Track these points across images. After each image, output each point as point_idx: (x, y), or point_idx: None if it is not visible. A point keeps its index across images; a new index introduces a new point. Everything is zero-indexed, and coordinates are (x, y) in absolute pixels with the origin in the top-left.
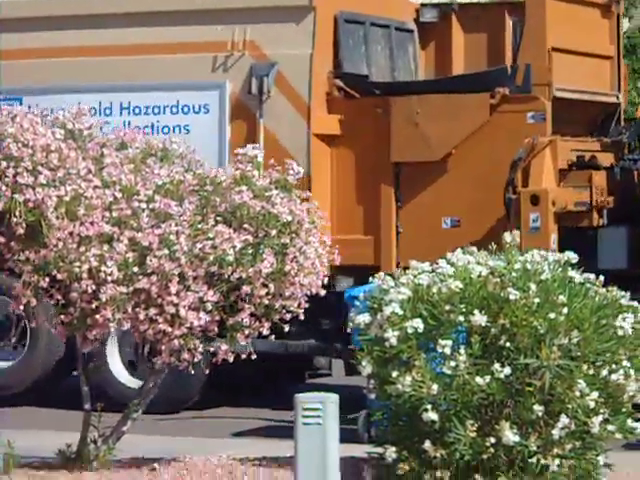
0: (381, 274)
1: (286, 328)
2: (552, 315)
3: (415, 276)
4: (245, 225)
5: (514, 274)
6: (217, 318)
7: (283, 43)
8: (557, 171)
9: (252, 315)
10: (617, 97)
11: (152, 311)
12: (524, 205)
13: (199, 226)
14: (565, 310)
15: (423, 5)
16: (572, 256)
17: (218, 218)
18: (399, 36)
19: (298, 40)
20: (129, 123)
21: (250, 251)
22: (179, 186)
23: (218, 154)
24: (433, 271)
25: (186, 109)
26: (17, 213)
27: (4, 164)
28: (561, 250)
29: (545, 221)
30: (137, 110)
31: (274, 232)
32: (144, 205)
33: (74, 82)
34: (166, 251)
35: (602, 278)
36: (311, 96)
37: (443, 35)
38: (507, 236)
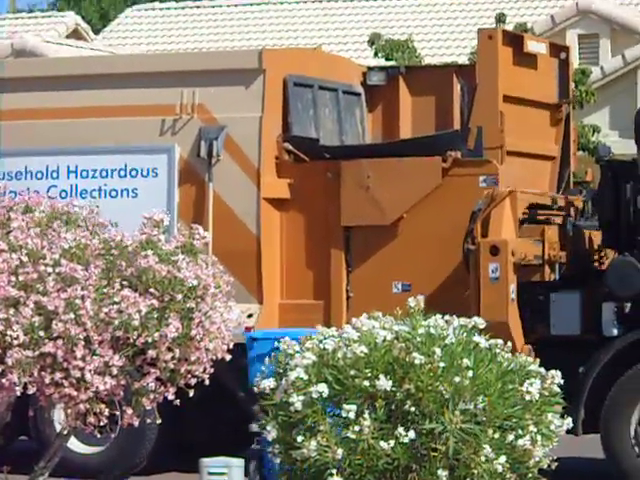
0: (286, 338)
1: (190, 393)
2: (457, 379)
3: (320, 341)
4: (151, 289)
5: (419, 339)
6: (123, 382)
7: (232, 106)
8: (516, 222)
9: (158, 379)
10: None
11: (58, 375)
12: (483, 255)
13: (105, 290)
14: (470, 374)
15: (370, 68)
16: (479, 321)
17: (124, 282)
18: (347, 99)
19: (247, 103)
20: (76, 187)
21: (156, 315)
22: (85, 250)
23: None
24: (339, 336)
25: (134, 173)
26: None
27: None
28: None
29: (504, 271)
30: (84, 174)
31: (180, 296)
32: (50, 269)
33: (21, 145)
34: (72, 315)
35: (510, 344)
36: (261, 160)
37: (391, 98)
38: (411, 301)
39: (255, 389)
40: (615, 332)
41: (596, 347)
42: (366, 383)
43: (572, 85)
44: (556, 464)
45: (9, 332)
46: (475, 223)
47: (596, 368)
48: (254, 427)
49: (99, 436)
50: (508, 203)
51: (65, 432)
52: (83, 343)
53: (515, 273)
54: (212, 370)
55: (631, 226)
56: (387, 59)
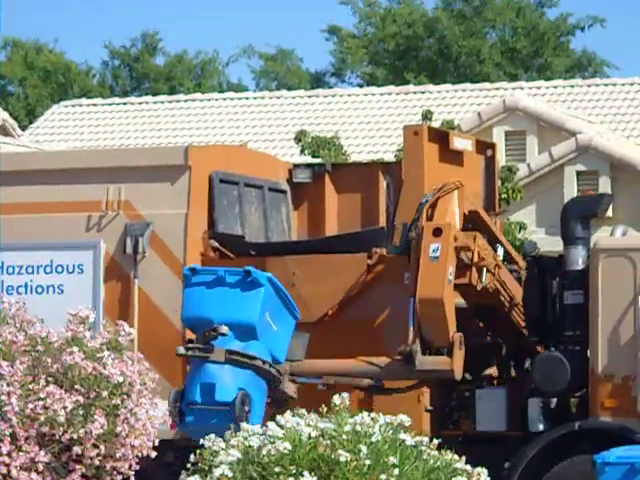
0: (211, 435)
1: None
2: (383, 477)
3: (245, 438)
4: (76, 386)
5: (344, 436)
6: (49, 479)
7: (158, 203)
8: (462, 214)
9: (83, 476)
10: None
11: None
12: (426, 237)
13: (30, 386)
14: (396, 472)
15: (296, 166)
16: (405, 419)
17: (50, 379)
18: (273, 196)
19: (173, 200)
20: (2, 282)
21: (81, 412)
22: (11, 346)
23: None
24: (264, 433)
25: (60, 269)
26: None
27: None
28: (437, 409)
29: (445, 252)
30: (10, 270)
31: (105, 393)
32: None
33: None
34: None
35: (435, 441)
36: (186, 256)
37: (316, 195)
38: (336, 398)
39: None
40: (541, 427)
41: (522, 442)
42: None
43: (498, 182)
44: None
45: None
46: (420, 213)
47: (522, 464)
48: None
49: None
50: (456, 195)
51: None
52: (9, 439)
53: (455, 257)
54: (137, 467)
55: (557, 322)
56: (314, 156)
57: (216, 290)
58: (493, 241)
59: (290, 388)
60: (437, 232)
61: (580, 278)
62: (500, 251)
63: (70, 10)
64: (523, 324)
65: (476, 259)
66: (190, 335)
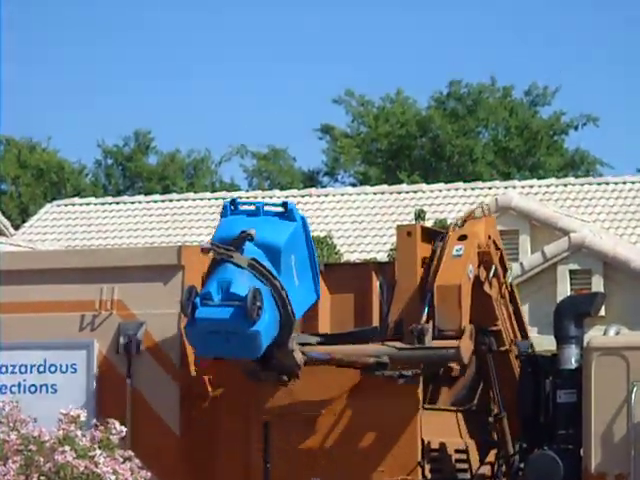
0: None
1: None
2: None
3: None
4: None
5: None
6: None
7: (151, 302)
8: (487, 236)
9: None
10: None
11: None
12: (451, 241)
13: None
14: None
15: None
16: None
17: (42, 478)
18: None
19: (166, 299)
20: None
21: None
22: (3, 446)
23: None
24: None
25: (53, 368)
26: None
27: None
28: None
29: (467, 252)
30: (3, 369)
31: None
32: None
33: None
34: None
35: None
36: (180, 356)
37: None
38: None
39: None
40: None
41: None
42: None
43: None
44: None
45: None
46: (448, 231)
47: None
48: None
49: None
50: (484, 221)
51: None
52: None
53: (477, 259)
54: None
55: (551, 420)
56: None
57: (251, 218)
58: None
59: (298, 354)
60: (462, 237)
61: (573, 377)
62: (509, 276)
63: (63, 109)
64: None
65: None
66: None
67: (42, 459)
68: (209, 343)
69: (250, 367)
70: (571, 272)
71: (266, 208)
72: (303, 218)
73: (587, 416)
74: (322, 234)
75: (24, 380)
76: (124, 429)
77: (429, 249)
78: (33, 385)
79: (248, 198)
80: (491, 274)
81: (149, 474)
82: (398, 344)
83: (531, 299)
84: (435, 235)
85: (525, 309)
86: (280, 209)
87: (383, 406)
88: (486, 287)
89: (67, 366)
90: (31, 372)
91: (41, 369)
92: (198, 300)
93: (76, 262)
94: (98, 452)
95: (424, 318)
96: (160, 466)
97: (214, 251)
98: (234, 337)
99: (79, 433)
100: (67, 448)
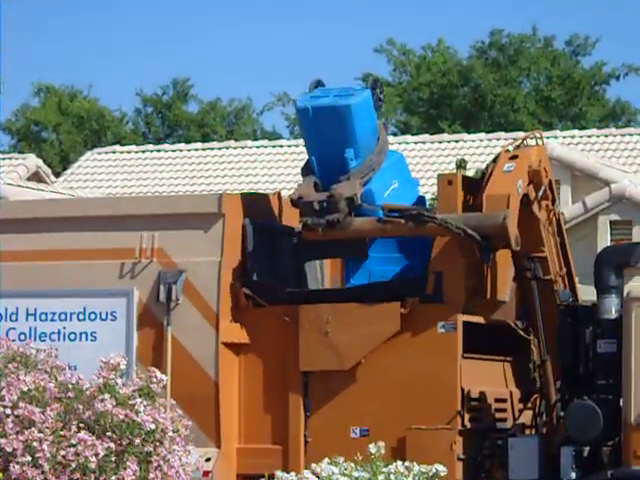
0: None
1: None
2: None
3: None
4: (108, 433)
5: None
6: None
7: (191, 250)
8: (538, 161)
9: None
10: None
11: None
12: (502, 159)
13: (62, 433)
14: None
15: None
16: (440, 469)
17: (81, 425)
18: None
19: (206, 248)
20: (35, 329)
21: (113, 459)
22: (43, 393)
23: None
24: None
25: (93, 316)
26: None
27: None
28: (469, 458)
29: (518, 168)
30: (43, 316)
31: (138, 440)
32: (9, 411)
33: None
34: (29, 458)
35: None
36: (219, 304)
37: None
38: (372, 447)
39: None
40: (574, 476)
41: None
42: None
43: None
44: None
45: None
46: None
47: None
48: None
49: None
50: (537, 149)
51: None
52: None
53: (527, 176)
54: None
55: (590, 370)
56: None
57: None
58: None
59: (356, 196)
60: (514, 157)
61: (613, 327)
62: (557, 207)
63: (104, 56)
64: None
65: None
66: None
67: (81, 407)
68: None
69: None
70: (612, 222)
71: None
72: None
73: (627, 366)
74: None
75: (64, 327)
76: (165, 378)
77: (470, 199)
78: (73, 333)
79: (290, 147)
80: (540, 194)
81: (190, 423)
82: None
83: (572, 249)
84: (476, 185)
85: None
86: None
87: (423, 355)
88: (535, 208)
89: (107, 314)
90: (71, 320)
91: (81, 317)
92: None
93: (116, 210)
94: (138, 401)
95: None
96: (199, 414)
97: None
98: None
99: (119, 381)
100: (107, 396)
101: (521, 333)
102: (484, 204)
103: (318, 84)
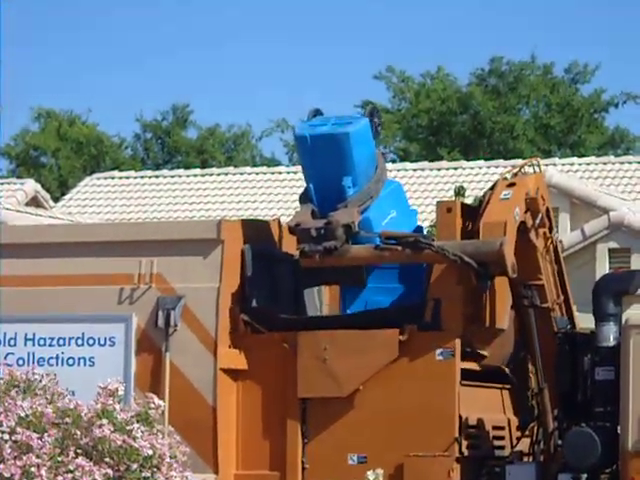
0: None
1: None
2: None
3: None
4: (106, 459)
5: None
6: None
7: (190, 276)
8: (536, 189)
9: None
10: None
11: None
12: (500, 186)
13: (59, 459)
14: None
15: None
16: None
17: (79, 451)
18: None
19: (205, 274)
20: (33, 354)
21: None
22: (41, 418)
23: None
24: None
25: (91, 341)
26: None
27: None
28: None
29: (515, 196)
30: (42, 341)
31: (135, 466)
32: (6, 436)
33: None
34: None
35: None
36: (217, 330)
37: None
38: (370, 474)
39: None
40: None
41: None
42: None
43: None
44: None
45: None
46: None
47: None
48: None
49: None
50: (534, 177)
51: None
52: None
53: (525, 204)
54: None
55: (588, 397)
56: None
57: None
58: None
59: (354, 224)
60: (511, 185)
61: (611, 354)
62: (555, 235)
63: (103, 82)
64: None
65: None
66: None
67: (79, 433)
68: None
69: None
70: (610, 250)
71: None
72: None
73: (625, 394)
74: None
75: (62, 352)
76: (163, 404)
77: (469, 226)
78: (71, 358)
79: (288, 173)
80: (537, 222)
81: (187, 449)
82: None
83: (570, 276)
84: (475, 212)
85: None
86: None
87: (421, 382)
88: (532, 235)
89: (105, 339)
90: (69, 345)
91: (79, 342)
92: None
93: (115, 235)
94: (136, 426)
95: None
96: (197, 440)
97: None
98: None
99: (117, 407)
100: (105, 422)
101: (510, 377)
102: (481, 231)
103: (317, 113)
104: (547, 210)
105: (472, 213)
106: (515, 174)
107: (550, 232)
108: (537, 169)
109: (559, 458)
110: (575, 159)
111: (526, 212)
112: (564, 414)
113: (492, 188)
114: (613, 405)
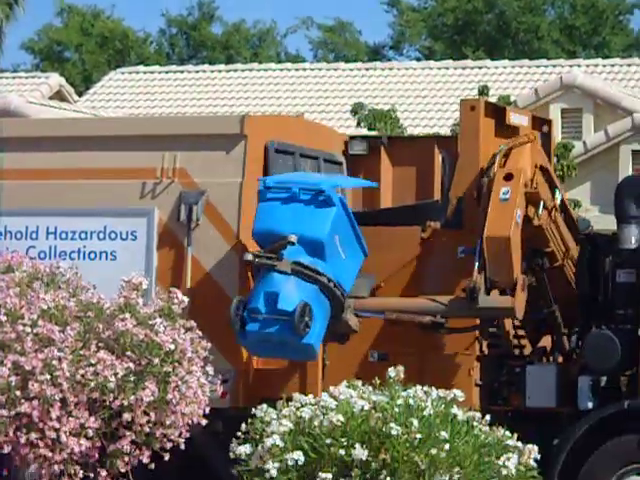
0: (263, 406)
1: (166, 457)
2: (434, 451)
3: (297, 408)
4: (128, 353)
5: (396, 409)
6: (98, 444)
7: (213, 171)
8: (534, 165)
9: (133, 442)
10: None
11: (33, 435)
12: (497, 181)
13: (81, 352)
14: (447, 446)
15: (352, 138)
16: (458, 394)
17: (100, 344)
18: (328, 168)
19: (228, 168)
20: (55, 247)
21: (132, 378)
22: (63, 312)
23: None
24: (316, 404)
25: (113, 235)
26: None
27: None
28: (487, 384)
29: (514, 194)
30: (64, 235)
31: (157, 360)
32: (28, 329)
33: (1, 205)
34: (48, 376)
35: (487, 417)
36: (240, 226)
37: (372, 168)
38: (391, 371)
39: (231, 454)
40: (590, 405)
41: (571, 420)
42: (342, 452)
43: (554, 159)
44: None
45: None
46: (494, 161)
47: (570, 441)
48: None
49: None
50: (529, 147)
51: None
52: (59, 404)
53: (525, 201)
54: (188, 434)
55: (609, 300)
56: (370, 129)
57: (289, 206)
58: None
59: (352, 320)
60: (508, 177)
61: (633, 257)
62: (558, 196)
63: None
64: (575, 283)
65: (533, 190)
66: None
67: (101, 326)
68: (263, 349)
69: None
70: (633, 152)
71: (302, 195)
72: (341, 199)
73: None
74: (386, 107)
75: (84, 247)
76: (186, 299)
77: (492, 124)
78: (93, 252)
79: (313, 70)
80: (540, 211)
81: (209, 344)
82: (452, 300)
83: (593, 177)
84: (498, 111)
85: (586, 187)
86: (316, 194)
87: (441, 280)
88: (535, 221)
89: (127, 233)
90: (91, 239)
91: (101, 236)
92: (246, 314)
93: (138, 129)
94: (159, 321)
95: (476, 270)
96: (219, 335)
97: (257, 263)
98: (287, 345)
99: (140, 301)
100: (128, 316)
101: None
102: (485, 246)
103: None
104: (549, 178)
105: (496, 112)
106: (510, 148)
107: (554, 197)
108: (532, 138)
109: (579, 360)
110: (600, 60)
111: (527, 206)
112: (585, 317)
113: (488, 174)
114: (634, 308)
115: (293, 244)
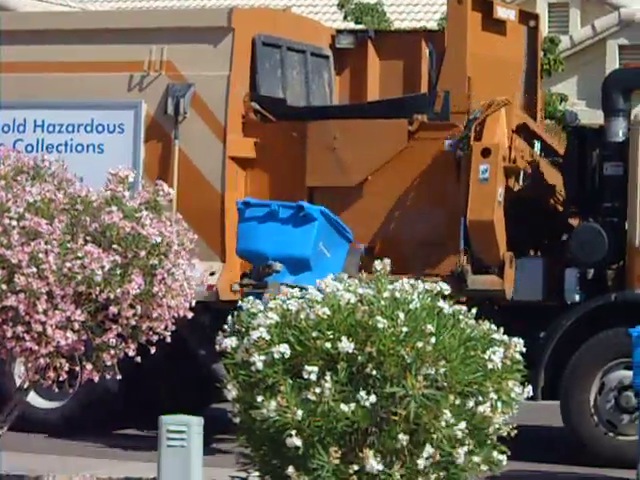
0: (250, 298)
1: (152, 350)
2: (420, 344)
3: (284, 301)
4: (114, 245)
5: (383, 302)
6: (84, 338)
7: (200, 64)
8: (510, 131)
9: (119, 335)
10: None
11: (19, 329)
12: (475, 157)
13: (68, 245)
14: (433, 340)
15: (339, 31)
16: (444, 287)
17: (88, 238)
18: (315, 61)
19: (215, 61)
20: (42, 141)
21: (118, 271)
22: (50, 205)
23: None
24: (302, 297)
25: (100, 128)
26: None
27: None
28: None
29: (494, 173)
30: (51, 128)
31: (143, 253)
32: (14, 222)
33: None
34: (34, 269)
35: (473, 310)
36: (227, 118)
37: (359, 61)
38: (377, 264)
39: (217, 347)
40: (577, 298)
41: (558, 313)
42: (328, 345)
43: (540, 53)
44: (515, 431)
45: None
46: (469, 130)
47: (557, 334)
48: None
49: (57, 391)
50: (504, 111)
51: (25, 386)
52: (45, 297)
53: (504, 177)
54: (174, 327)
55: (596, 193)
56: (356, 22)
57: (269, 225)
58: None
59: None
60: (486, 153)
61: (620, 150)
62: (537, 146)
63: None
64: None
65: (512, 165)
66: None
67: (88, 219)
68: None
69: None
70: (620, 47)
71: (282, 212)
72: (322, 210)
73: (633, 189)
74: (372, 1)
75: (71, 139)
76: (172, 191)
77: (479, 18)
78: (80, 144)
79: None
80: (520, 181)
81: (195, 237)
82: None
83: (580, 72)
84: (485, 5)
85: (573, 82)
86: (296, 211)
87: (429, 172)
88: (516, 188)
89: (114, 126)
90: (78, 131)
91: (88, 129)
92: None
93: (126, 22)
94: (145, 213)
95: (462, 251)
96: (205, 228)
97: (245, 292)
98: None
99: (127, 194)
100: (114, 209)
101: None
102: (469, 230)
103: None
104: (527, 134)
105: (484, 5)
106: (485, 115)
107: (532, 150)
108: (504, 102)
109: (566, 253)
110: None
111: (507, 178)
112: (572, 209)
113: (467, 158)
114: (621, 201)
115: (278, 272)
